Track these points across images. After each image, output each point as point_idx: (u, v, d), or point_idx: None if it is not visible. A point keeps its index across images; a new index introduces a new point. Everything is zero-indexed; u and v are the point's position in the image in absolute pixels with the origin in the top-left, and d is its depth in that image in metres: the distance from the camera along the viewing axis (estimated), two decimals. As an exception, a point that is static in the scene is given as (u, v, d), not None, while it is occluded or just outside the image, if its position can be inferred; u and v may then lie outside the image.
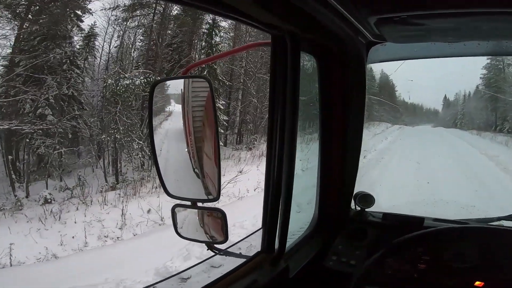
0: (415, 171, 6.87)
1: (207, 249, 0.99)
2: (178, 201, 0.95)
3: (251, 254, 1.00)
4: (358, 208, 1.33)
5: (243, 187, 7.72)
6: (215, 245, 0.99)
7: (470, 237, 1.09)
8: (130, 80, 10.50)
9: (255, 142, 13.30)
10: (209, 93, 0.90)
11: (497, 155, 8.62)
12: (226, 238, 0.94)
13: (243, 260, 0.97)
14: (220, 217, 0.94)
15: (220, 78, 10.99)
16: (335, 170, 1.25)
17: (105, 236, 6.67)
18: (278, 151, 0.89)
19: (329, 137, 1.21)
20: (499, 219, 1.27)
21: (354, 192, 1.34)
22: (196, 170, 0.92)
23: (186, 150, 0.92)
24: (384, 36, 1.12)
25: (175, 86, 0.96)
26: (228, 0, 0.67)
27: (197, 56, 12.82)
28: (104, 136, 10.63)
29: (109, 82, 10.84)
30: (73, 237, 6.45)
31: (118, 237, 6.66)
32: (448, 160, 8.10)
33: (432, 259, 1.06)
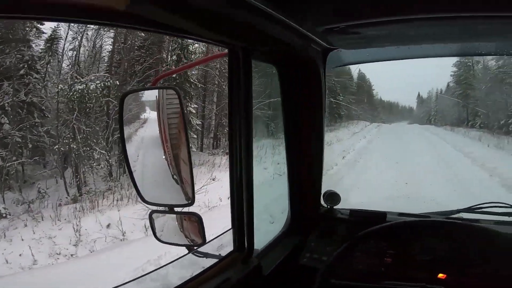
0: (391, 169, 6.85)
1: (189, 253, 1.02)
2: (155, 207, 0.99)
3: (225, 253, 1.03)
4: (328, 206, 1.39)
5: (215, 196, 7.15)
6: (195, 248, 1.01)
7: (427, 230, 1.12)
8: (85, 85, 9.72)
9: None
10: (179, 103, 0.93)
11: (472, 151, 8.56)
12: (204, 240, 0.98)
13: (217, 259, 1.00)
14: (197, 221, 0.97)
15: (192, 80, 10.41)
16: (302, 172, 1.31)
17: (57, 254, 6.03)
18: (238, 155, 0.94)
19: (293, 140, 1.27)
20: (459, 211, 1.31)
21: (323, 191, 1.40)
22: (174, 176, 0.93)
23: (164, 157, 0.94)
24: (335, 44, 1.17)
25: (150, 93, 0.99)
26: (179, 24, 0.71)
27: (169, 58, 12.20)
28: (57, 146, 9.85)
29: (60, 87, 10.09)
30: (20, 254, 5.81)
31: (72, 254, 6.03)
32: (423, 157, 8.10)
33: (396, 253, 1.11)
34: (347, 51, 1.31)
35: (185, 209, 0.95)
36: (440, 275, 1.04)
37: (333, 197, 1.38)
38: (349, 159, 7.84)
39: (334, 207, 1.40)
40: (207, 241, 0.99)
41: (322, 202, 1.40)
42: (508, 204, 1.25)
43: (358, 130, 17.25)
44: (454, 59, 19.64)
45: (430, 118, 26.23)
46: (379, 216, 1.25)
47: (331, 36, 1.09)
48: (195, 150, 9.78)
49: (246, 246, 1.02)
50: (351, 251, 1.11)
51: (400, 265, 1.09)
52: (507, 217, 1.24)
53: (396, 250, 1.12)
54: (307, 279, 1.12)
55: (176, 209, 0.97)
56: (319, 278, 1.03)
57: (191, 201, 0.90)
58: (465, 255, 1.05)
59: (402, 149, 9.33)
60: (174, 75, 9.97)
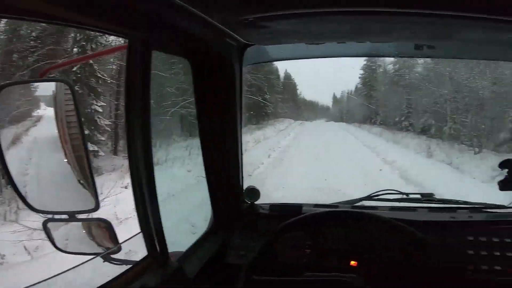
0: (311, 165, 7.22)
1: (104, 261, 0.94)
2: (51, 216, 0.91)
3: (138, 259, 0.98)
4: (249, 203, 1.38)
5: (127, 207, 6.18)
6: (110, 255, 0.95)
7: (332, 220, 1.18)
8: None
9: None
10: (71, 97, 0.83)
11: (376, 146, 9.84)
12: (118, 247, 0.93)
13: (129, 266, 0.95)
14: (106, 227, 0.93)
15: (99, 75, 8.99)
16: (220, 171, 1.28)
17: None
18: (137, 156, 0.88)
19: (208, 139, 1.23)
20: (361, 199, 1.39)
21: (244, 188, 1.40)
22: (81, 181, 0.86)
23: (65, 160, 0.85)
24: (250, 38, 1.15)
25: (46, 88, 0.91)
26: (76, 15, 0.66)
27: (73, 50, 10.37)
28: None
29: None
30: None
31: None
32: (338, 152, 8.94)
33: (313, 244, 1.16)
34: (264, 47, 1.30)
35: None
36: (352, 263, 1.12)
37: (253, 192, 1.38)
38: (274, 158, 8.04)
39: (256, 202, 1.40)
40: (120, 246, 0.95)
41: (244, 199, 1.41)
42: (399, 191, 1.37)
43: (283, 127, 18.10)
44: (362, 62, 22.40)
45: (342, 116, 29.40)
46: (295, 209, 1.28)
47: (244, 30, 1.07)
48: (103, 154, 8.41)
49: (158, 250, 0.97)
50: (271, 246, 1.14)
51: (318, 256, 1.15)
52: (398, 203, 1.36)
53: (313, 241, 1.16)
54: (233, 277, 1.11)
55: (79, 216, 0.89)
56: (242, 275, 1.04)
57: (95, 206, 0.84)
58: (365, 241, 1.13)
59: (320, 145, 10.11)
60: (74, 69, 8.55)
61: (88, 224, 0.95)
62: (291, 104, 30.55)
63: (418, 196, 1.34)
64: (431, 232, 1.13)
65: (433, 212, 1.32)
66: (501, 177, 1.23)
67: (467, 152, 8.86)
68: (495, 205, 1.30)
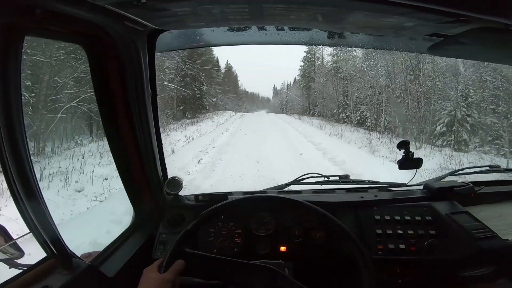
0: (250, 168, 6.20)
1: (10, 268, 0.87)
2: None
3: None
4: (173, 195, 1.31)
5: None
6: (14, 260, 0.88)
7: (259, 206, 1.17)
8: None
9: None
10: None
11: (320, 142, 8.96)
12: (20, 251, 0.87)
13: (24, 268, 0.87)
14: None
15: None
16: (135, 166, 1.18)
17: None
18: (5, 151, 0.75)
19: (115, 135, 1.12)
20: (288, 185, 1.38)
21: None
22: None
23: None
24: (157, 23, 1.06)
25: None
26: None
27: None
28: None
29: None
30: None
31: None
32: (280, 149, 8.08)
33: (243, 232, 1.16)
34: (178, 34, 1.22)
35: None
36: (282, 249, 1.13)
37: (174, 183, 1.29)
38: (206, 163, 6.33)
39: (179, 193, 1.32)
40: (20, 249, 0.87)
41: (166, 191, 1.30)
42: (321, 174, 1.36)
43: (222, 121, 16.36)
44: (302, 54, 22.15)
45: (282, 107, 29.52)
46: (222, 198, 1.21)
47: (147, 14, 0.96)
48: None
49: (55, 250, 0.87)
50: (204, 225, 1.06)
51: (249, 244, 1.14)
52: (319, 186, 1.36)
53: (242, 229, 1.16)
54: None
55: None
56: (173, 247, 0.93)
57: None
58: (292, 226, 1.15)
59: (262, 144, 8.82)
60: None
61: None
62: (232, 96, 29.38)
63: (337, 178, 1.36)
64: (345, 213, 1.17)
65: (348, 193, 1.35)
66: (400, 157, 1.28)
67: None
68: (398, 183, 1.37)
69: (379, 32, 1.15)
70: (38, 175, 0.95)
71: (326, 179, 1.34)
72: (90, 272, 0.94)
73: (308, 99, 22.32)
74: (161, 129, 1.26)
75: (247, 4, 0.95)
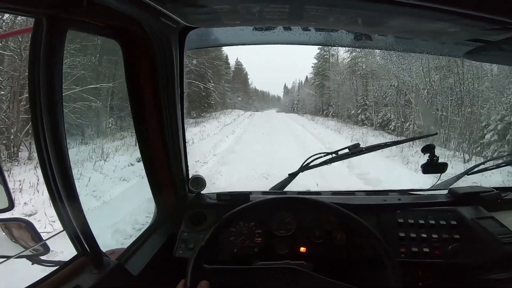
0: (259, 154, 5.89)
1: (32, 264, 0.88)
2: None
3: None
4: (195, 193, 1.30)
5: None
6: (39, 257, 0.91)
7: (280, 207, 1.16)
8: None
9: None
10: None
11: (330, 141, 7.44)
12: (46, 247, 0.88)
13: (56, 266, 0.85)
14: (26, 227, 0.85)
15: None
16: (160, 162, 1.17)
17: None
18: (47, 149, 0.76)
19: (144, 131, 1.11)
20: (295, 174, 1.33)
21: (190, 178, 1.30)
22: None
23: None
24: (189, 20, 1.07)
25: None
26: None
27: None
28: None
29: None
30: None
31: None
32: (290, 150, 7.16)
33: (264, 231, 1.14)
34: (209, 31, 1.22)
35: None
36: (302, 249, 1.10)
37: (198, 181, 1.27)
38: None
39: (202, 192, 1.30)
40: (48, 247, 0.88)
41: (190, 189, 1.29)
42: (326, 153, 1.30)
43: (230, 121, 14.98)
44: (315, 51, 20.80)
45: (293, 106, 28.14)
46: (243, 197, 1.22)
47: (183, 10, 0.98)
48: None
49: (88, 249, 0.86)
50: (221, 236, 1.07)
51: (269, 243, 1.12)
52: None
53: (263, 229, 1.14)
54: (182, 270, 0.95)
55: None
56: (191, 264, 0.91)
57: (8, 205, 0.75)
58: (313, 227, 1.13)
59: (270, 147, 7.45)
60: None
61: (6, 225, 0.84)
62: (242, 94, 28.21)
63: (346, 150, 1.28)
64: (367, 216, 1.12)
65: (369, 195, 1.33)
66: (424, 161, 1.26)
67: (455, 159, 7.05)
68: (420, 189, 1.34)
69: (415, 36, 1.13)
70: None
71: (334, 155, 1.27)
72: (118, 270, 0.92)
73: (322, 98, 20.89)
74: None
75: (288, 4, 0.94)
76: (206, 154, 6.70)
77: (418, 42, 1.19)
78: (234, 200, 1.19)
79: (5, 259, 0.86)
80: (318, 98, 21.40)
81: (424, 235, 1.10)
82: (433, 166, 1.23)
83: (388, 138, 9.78)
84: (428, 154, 1.23)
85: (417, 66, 9.96)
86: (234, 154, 6.99)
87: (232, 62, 25.02)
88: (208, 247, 0.93)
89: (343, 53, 17.37)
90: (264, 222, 1.15)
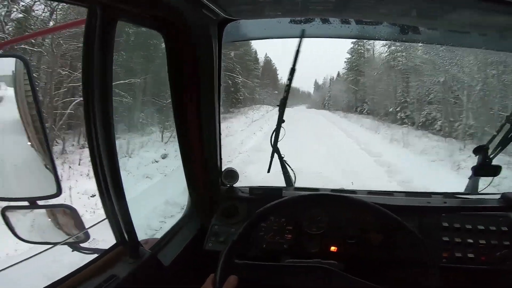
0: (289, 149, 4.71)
1: (72, 250, 0.89)
2: (9, 203, 0.81)
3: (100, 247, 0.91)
4: (228, 186, 1.30)
5: None
6: (79, 244, 0.90)
7: (314, 204, 1.13)
8: None
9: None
10: (27, 75, 0.74)
11: (379, 152, 6.67)
12: (87, 235, 0.89)
13: (96, 255, 0.88)
14: (71, 214, 0.87)
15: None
16: (196, 153, 1.19)
17: None
18: (97, 140, 0.78)
19: (183, 121, 1.12)
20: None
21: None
22: (47, 166, 0.77)
23: (29, 143, 0.77)
24: (229, 12, 1.07)
25: (5, 66, 0.79)
26: None
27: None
28: None
29: None
30: None
31: None
32: (320, 148, 6.83)
33: (294, 228, 1.11)
34: (244, 24, 1.21)
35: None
36: (333, 248, 1.07)
37: (231, 175, 1.28)
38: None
39: (234, 185, 1.30)
40: (89, 234, 0.88)
41: (223, 182, 1.29)
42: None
43: (258, 116, 14.60)
44: (348, 46, 19.74)
45: (324, 103, 27.07)
46: (275, 192, 1.21)
47: (222, 2, 0.98)
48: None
49: (127, 238, 0.89)
50: (252, 232, 1.02)
51: (299, 240, 1.09)
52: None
53: (294, 226, 1.12)
54: (212, 263, 0.95)
55: (42, 203, 0.79)
56: (223, 258, 0.90)
57: (56, 191, 0.76)
58: (346, 226, 1.08)
59: (299, 147, 6.92)
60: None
61: (52, 212, 0.86)
62: (271, 90, 27.76)
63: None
64: (407, 217, 1.04)
65: (410, 197, 1.28)
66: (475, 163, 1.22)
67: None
68: (468, 192, 1.30)
69: (474, 30, 1.07)
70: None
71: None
72: (151, 260, 0.93)
73: (355, 95, 19.80)
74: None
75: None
76: (231, 152, 6.38)
77: (475, 36, 1.12)
78: (267, 194, 1.18)
79: (52, 245, 0.87)
80: (351, 94, 20.34)
81: (470, 241, 1.05)
82: (485, 169, 1.19)
83: (433, 139, 8.73)
84: (480, 156, 1.19)
85: (470, 61, 8.74)
86: (261, 153, 6.57)
87: (261, 57, 24.67)
88: (240, 242, 0.92)
89: (379, 47, 16.23)
90: (295, 218, 1.12)
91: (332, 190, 1.26)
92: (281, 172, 1.39)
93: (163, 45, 1.00)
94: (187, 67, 1.03)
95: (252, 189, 1.25)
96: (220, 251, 0.99)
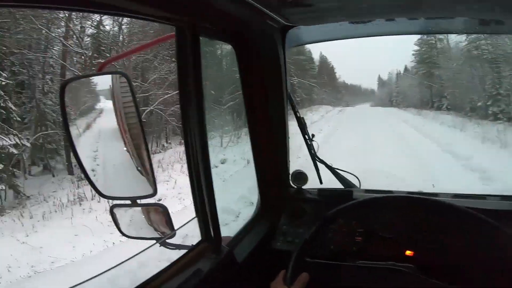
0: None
1: (160, 246, 0.93)
2: (116, 201, 0.91)
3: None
4: (296, 187, 1.33)
5: None
6: (166, 241, 0.95)
7: (391, 206, 1.09)
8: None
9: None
10: (128, 89, 0.84)
11: (471, 155, 5.53)
12: (173, 232, 0.93)
13: (185, 250, 0.96)
14: (163, 212, 0.91)
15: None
16: (268, 155, 1.25)
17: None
18: (193, 144, 0.88)
19: (255, 124, 1.20)
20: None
21: (291, 172, 1.34)
22: (138, 167, 0.85)
23: (125, 149, 0.86)
24: (292, 19, 1.11)
25: (104, 82, 0.91)
26: (117, 2, 0.64)
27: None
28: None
29: None
30: None
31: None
32: (387, 144, 6.66)
33: (365, 231, 1.09)
34: (305, 29, 1.22)
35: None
36: (408, 253, 1.03)
37: (300, 177, 1.30)
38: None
39: (303, 187, 1.32)
40: (175, 231, 0.93)
41: (291, 183, 1.32)
42: None
43: (317, 118, 14.06)
44: (414, 38, 17.58)
45: (391, 99, 24.56)
46: (345, 194, 1.22)
47: (287, 11, 1.03)
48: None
49: (212, 235, 0.95)
50: (322, 232, 1.05)
51: (370, 243, 1.07)
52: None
53: (364, 228, 1.08)
54: (280, 262, 0.99)
55: (140, 201, 0.88)
56: (295, 258, 0.92)
57: (153, 191, 0.83)
58: (426, 230, 1.03)
59: (365, 146, 6.31)
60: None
61: (147, 210, 0.93)
62: (330, 89, 26.55)
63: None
64: (505, 223, 0.95)
65: (506, 200, 1.14)
66: None
67: None
68: None
69: None
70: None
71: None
72: (228, 256, 0.98)
73: (430, 89, 17.59)
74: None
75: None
76: (290, 155, 6.13)
77: None
78: (336, 196, 1.19)
79: (149, 240, 0.92)
80: (424, 89, 18.14)
81: None
82: None
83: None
84: None
85: None
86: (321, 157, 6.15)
87: (316, 56, 23.86)
88: (312, 241, 0.93)
89: (455, 36, 13.99)
90: (367, 220, 1.08)
91: (409, 193, 1.19)
92: (336, 178, 1.34)
93: (219, 51, 1.10)
94: (256, 73, 1.10)
95: (320, 191, 1.26)
96: (288, 251, 1.03)
